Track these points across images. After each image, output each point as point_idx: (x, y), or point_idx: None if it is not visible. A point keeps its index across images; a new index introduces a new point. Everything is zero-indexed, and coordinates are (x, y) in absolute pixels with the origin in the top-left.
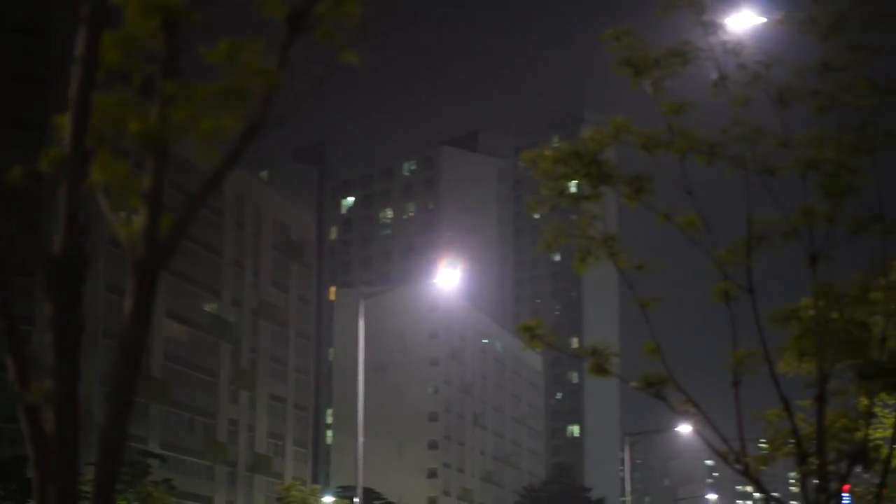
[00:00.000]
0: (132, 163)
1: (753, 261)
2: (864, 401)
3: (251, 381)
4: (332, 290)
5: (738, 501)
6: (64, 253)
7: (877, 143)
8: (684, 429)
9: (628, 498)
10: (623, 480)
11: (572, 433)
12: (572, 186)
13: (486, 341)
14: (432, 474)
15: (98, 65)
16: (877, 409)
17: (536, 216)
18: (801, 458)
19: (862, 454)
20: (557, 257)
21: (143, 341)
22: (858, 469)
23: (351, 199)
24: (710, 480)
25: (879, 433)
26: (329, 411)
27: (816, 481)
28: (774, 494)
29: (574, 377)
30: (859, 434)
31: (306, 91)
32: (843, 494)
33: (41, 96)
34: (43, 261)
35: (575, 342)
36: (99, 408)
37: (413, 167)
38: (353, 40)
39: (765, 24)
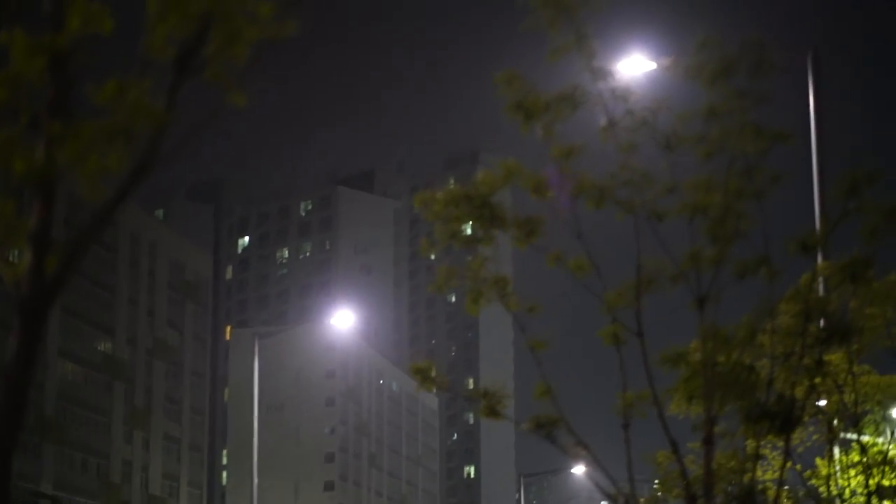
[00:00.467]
0: (20, 200)
1: (642, 304)
2: (752, 443)
3: (145, 420)
4: (228, 329)
5: None
6: None
7: (763, 187)
8: (579, 470)
9: None
10: None
11: (468, 473)
12: (467, 228)
13: (382, 381)
14: None
15: None
16: (765, 452)
17: (433, 257)
18: (691, 500)
19: (750, 496)
20: (453, 298)
21: (30, 380)
22: None
23: (247, 239)
24: None
25: (769, 475)
26: (224, 452)
27: None
28: None
29: (470, 418)
30: (747, 476)
31: (193, 132)
32: None
33: None
34: None
35: (471, 382)
36: None
37: (309, 207)
38: (242, 81)
39: (654, 70)
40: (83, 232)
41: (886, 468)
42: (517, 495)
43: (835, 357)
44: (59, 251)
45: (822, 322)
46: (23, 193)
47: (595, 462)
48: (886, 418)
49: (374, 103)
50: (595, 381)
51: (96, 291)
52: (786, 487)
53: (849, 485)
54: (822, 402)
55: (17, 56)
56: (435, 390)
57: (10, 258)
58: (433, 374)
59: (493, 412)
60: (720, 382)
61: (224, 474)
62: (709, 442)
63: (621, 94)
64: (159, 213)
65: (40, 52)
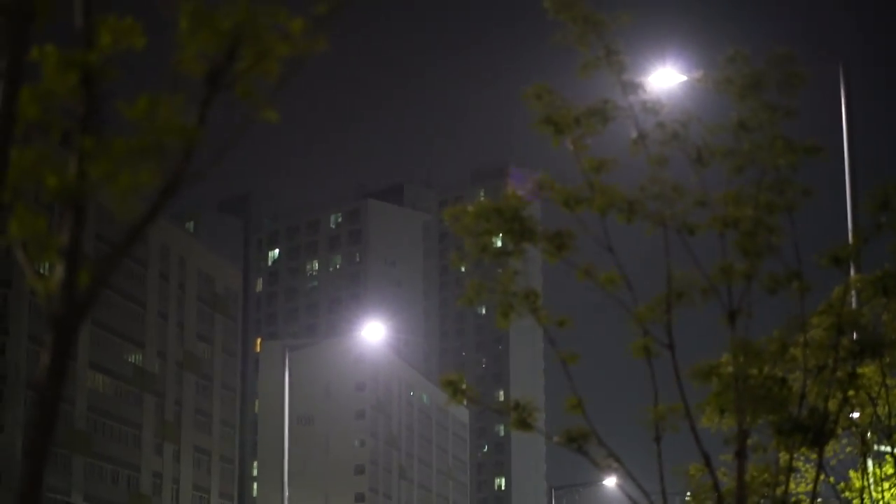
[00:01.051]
0: (52, 214)
1: (673, 317)
2: (785, 456)
3: (175, 433)
4: (258, 341)
5: None
6: None
7: (794, 201)
8: (610, 482)
9: None
10: None
11: (499, 486)
12: (497, 241)
13: (412, 394)
14: None
15: (16, 119)
16: (798, 464)
17: (462, 269)
18: None
19: None
20: (483, 311)
21: (60, 395)
22: None
23: (277, 251)
24: None
25: (802, 488)
26: (255, 463)
27: None
28: None
29: (501, 430)
30: (780, 489)
31: (224, 148)
32: None
33: None
34: None
35: (501, 395)
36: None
37: (339, 220)
38: (273, 97)
39: (684, 83)
40: (115, 247)
41: None
42: None
43: (868, 370)
44: (90, 266)
45: (854, 335)
46: (53, 208)
47: (627, 475)
48: None
49: (404, 117)
50: (625, 394)
51: (127, 304)
52: (819, 500)
53: (882, 497)
54: (856, 415)
55: (48, 72)
56: (465, 403)
57: (42, 272)
58: (463, 386)
59: (523, 425)
60: (752, 396)
61: (255, 486)
62: (741, 455)
63: (651, 108)
64: (189, 226)
65: (72, 68)
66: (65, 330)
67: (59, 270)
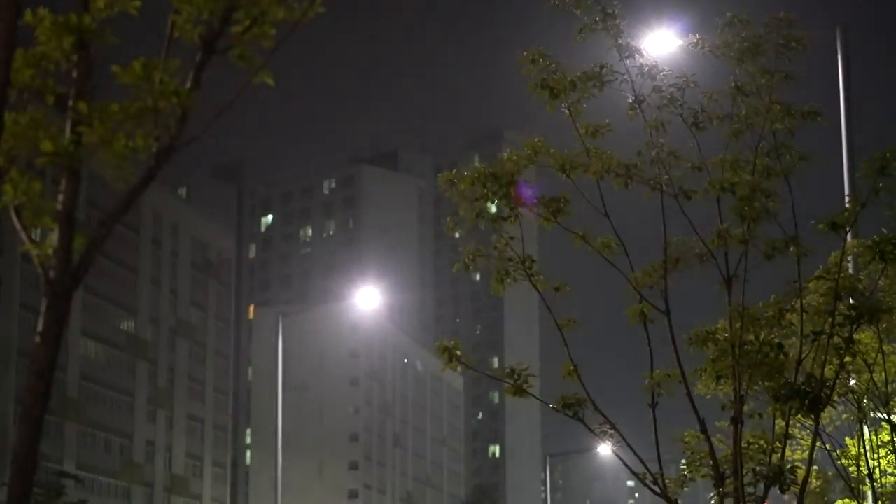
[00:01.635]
0: (46, 181)
1: (670, 283)
2: (781, 423)
3: (168, 400)
4: (251, 308)
5: None
6: None
7: (791, 166)
8: (605, 450)
9: None
10: (545, 501)
11: (493, 454)
12: (492, 207)
13: (406, 361)
14: (353, 495)
15: (9, 84)
16: (794, 431)
17: (457, 236)
18: (719, 480)
19: (779, 476)
20: (478, 277)
21: (55, 361)
22: (778, 491)
23: (270, 217)
24: (631, 502)
25: (798, 455)
26: (248, 431)
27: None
28: None
29: (495, 398)
30: (776, 456)
31: (220, 112)
32: None
33: None
34: None
35: (496, 362)
36: (13, 428)
37: (333, 185)
38: (268, 61)
39: (680, 47)
40: (110, 213)
41: None
42: (543, 475)
43: (864, 336)
44: (85, 231)
45: (851, 301)
46: (45, 173)
47: (622, 441)
48: None
49: (397, 82)
50: (622, 360)
51: (119, 271)
52: (815, 467)
53: (879, 465)
54: (852, 382)
55: (42, 36)
56: (460, 370)
57: (34, 238)
58: (459, 352)
59: (519, 391)
60: (749, 362)
61: (248, 454)
62: (737, 421)
63: (648, 72)
64: (182, 192)
65: (66, 32)
66: (60, 295)
67: (54, 236)
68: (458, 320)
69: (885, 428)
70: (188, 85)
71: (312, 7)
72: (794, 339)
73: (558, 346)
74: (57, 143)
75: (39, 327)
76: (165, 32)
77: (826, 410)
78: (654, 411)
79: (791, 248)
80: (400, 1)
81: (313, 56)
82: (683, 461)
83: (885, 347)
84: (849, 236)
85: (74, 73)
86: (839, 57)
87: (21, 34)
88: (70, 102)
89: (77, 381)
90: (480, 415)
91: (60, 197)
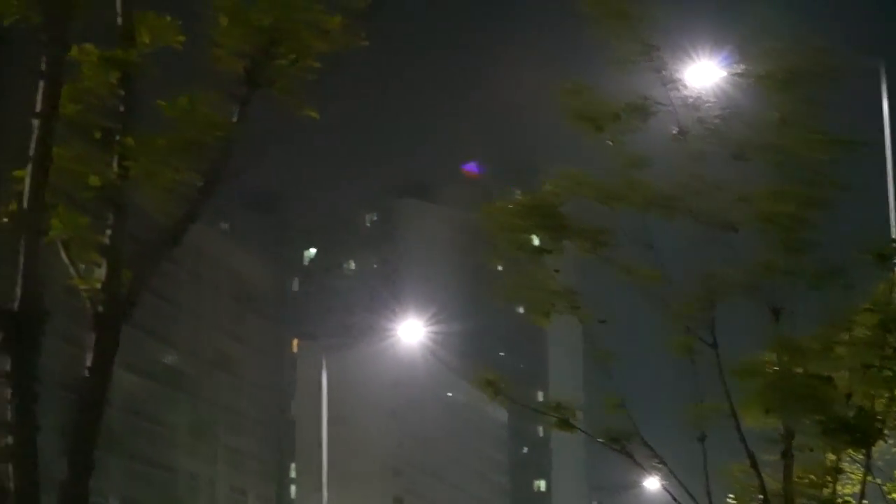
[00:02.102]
0: (90, 215)
1: (715, 315)
2: (831, 456)
3: (211, 434)
4: (295, 342)
5: None
6: (22, 307)
7: (834, 197)
8: (651, 484)
9: None
10: None
11: (538, 488)
12: (535, 240)
13: (449, 394)
14: None
15: (57, 119)
16: (845, 465)
17: (499, 268)
18: None
19: None
20: (520, 310)
21: (104, 395)
22: None
23: (312, 251)
24: None
25: (848, 489)
26: (292, 465)
27: None
28: None
29: (539, 431)
30: (827, 490)
31: (264, 144)
32: None
33: None
34: (1, 315)
35: (539, 395)
36: (58, 462)
37: (374, 218)
38: (311, 93)
39: (724, 78)
40: (156, 247)
41: None
42: None
43: None
44: (131, 265)
45: None
46: (89, 208)
47: (670, 475)
48: None
49: (436, 115)
50: (666, 393)
51: (160, 304)
52: (865, 502)
53: None
54: None
55: (88, 71)
56: (503, 403)
57: (80, 274)
58: (502, 385)
59: (565, 425)
60: (797, 395)
61: (292, 488)
62: (787, 455)
63: (692, 103)
64: (223, 225)
65: (111, 67)
66: (108, 329)
67: (102, 269)
68: (500, 353)
69: None
70: (232, 118)
71: (354, 40)
72: (843, 371)
73: (603, 378)
74: (103, 178)
75: (88, 361)
76: (209, 66)
77: (877, 444)
78: (702, 444)
79: (837, 280)
80: (439, 34)
81: (352, 86)
82: (730, 495)
83: None
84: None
85: (120, 108)
86: (883, 86)
87: (68, 69)
88: (116, 137)
89: (120, 415)
90: (524, 448)
91: (107, 231)
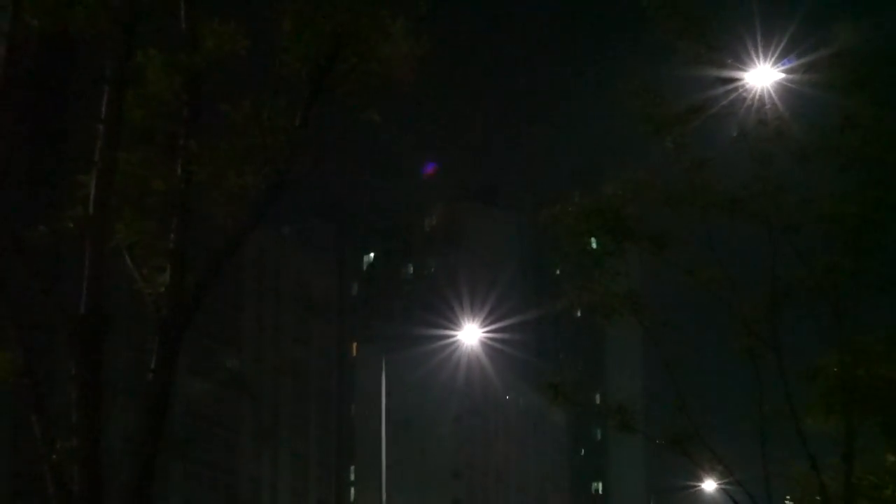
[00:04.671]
0: (155, 220)
1: (778, 317)
2: (892, 458)
3: (273, 438)
4: (354, 345)
5: None
6: (88, 311)
7: None
8: (710, 485)
9: None
10: None
11: (597, 490)
12: (594, 242)
13: (508, 397)
14: None
15: (122, 123)
16: None
17: (558, 272)
18: None
19: None
20: (579, 313)
21: (167, 398)
22: None
23: (372, 255)
24: None
25: None
26: (352, 468)
27: None
28: None
29: (597, 434)
30: (887, 492)
31: (328, 149)
32: None
33: (60, 153)
34: (67, 319)
35: (598, 398)
36: (122, 465)
37: (434, 222)
38: (375, 98)
39: (786, 79)
40: (221, 251)
41: None
42: None
43: None
44: (195, 269)
45: None
46: (153, 213)
47: (731, 477)
48: None
49: (497, 118)
50: (728, 395)
51: (223, 309)
52: None
53: None
54: None
55: (153, 76)
56: (564, 405)
57: (145, 278)
58: (564, 389)
59: (626, 428)
60: (859, 397)
61: (352, 491)
62: (849, 456)
63: (753, 105)
64: (285, 230)
65: (176, 72)
66: (172, 333)
67: (166, 274)
68: (560, 356)
69: None
70: (296, 123)
71: (418, 44)
72: None
73: (661, 382)
74: (168, 183)
75: (152, 364)
76: (273, 71)
77: None
78: (763, 447)
79: None
80: (500, 36)
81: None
82: (787, 497)
83: None
84: None
85: (184, 112)
86: None
87: (133, 74)
88: (180, 142)
89: (182, 419)
90: (583, 450)
91: (172, 236)
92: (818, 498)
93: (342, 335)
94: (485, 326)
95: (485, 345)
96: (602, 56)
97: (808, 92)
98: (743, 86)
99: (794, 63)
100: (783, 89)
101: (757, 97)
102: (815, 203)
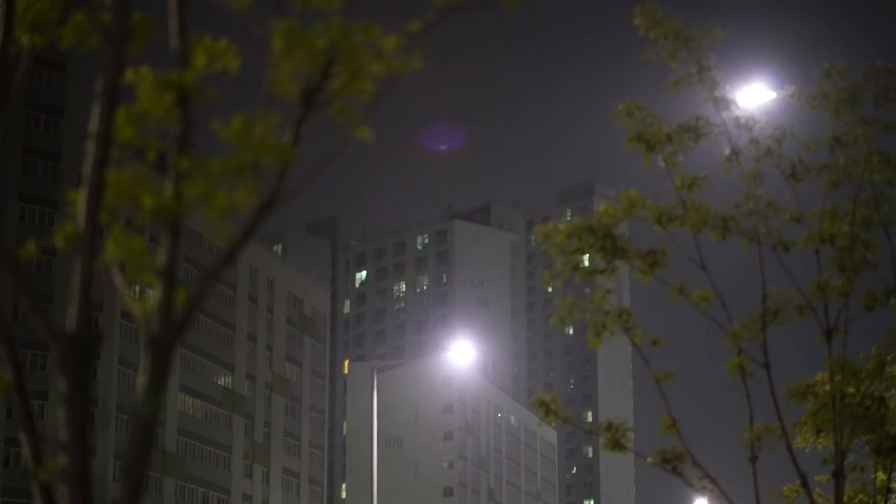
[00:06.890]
0: (146, 238)
1: (769, 335)
2: (881, 476)
3: (265, 455)
4: (346, 363)
5: None
6: (78, 329)
7: (890, 217)
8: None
9: None
10: None
11: None
12: (585, 261)
13: (500, 415)
14: None
15: (112, 141)
16: (895, 485)
17: (549, 290)
18: None
19: None
20: (570, 331)
21: (158, 416)
22: None
23: (364, 273)
24: None
25: None
26: (343, 486)
27: None
28: None
29: (589, 452)
30: None
31: (319, 166)
32: None
33: (54, 171)
34: (56, 336)
35: (589, 416)
36: (113, 483)
37: (426, 241)
38: (367, 116)
39: (776, 98)
40: (210, 269)
41: None
42: None
43: None
44: (186, 287)
45: None
46: (143, 230)
47: (722, 496)
48: None
49: (489, 138)
50: (718, 413)
51: (216, 327)
52: None
53: None
54: None
55: (144, 93)
56: (555, 424)
57: (134, 294)
58: (555, 406)
59: (617, 446)
60: (849, 415)
61: None
62: (838, 475)
63: (745, 124)
64: (277, 248)
65: (168, 89)
66: (162, 350)
67: (156, 291)
68: (551, 374)
69: None
70: (288, 140)
71: (411, 62)
72: (895, 391)
73: (652, 400)
74: (158, 200)
75: (143, 382)
76: (264, 88)
77: None
78: (753, 465)
79: (891, 300)
80: (491, 56)
81: (405, 110)
82: None
83: None
84: None
85: (175, 130)
86: None
87: (123, 92)
88: (171, 158)
89: (175, 437)
90: (574, 469)
91: (162, 253)
92: None
93: (334, 353)
94: (476, 344)
95: (476, 363)
96: (596, 75)
97: (799, 110)
98: (735, 104)
99: (785, 81)
100: (774, 107)
101: (749, 115)
102: (806, 222)
